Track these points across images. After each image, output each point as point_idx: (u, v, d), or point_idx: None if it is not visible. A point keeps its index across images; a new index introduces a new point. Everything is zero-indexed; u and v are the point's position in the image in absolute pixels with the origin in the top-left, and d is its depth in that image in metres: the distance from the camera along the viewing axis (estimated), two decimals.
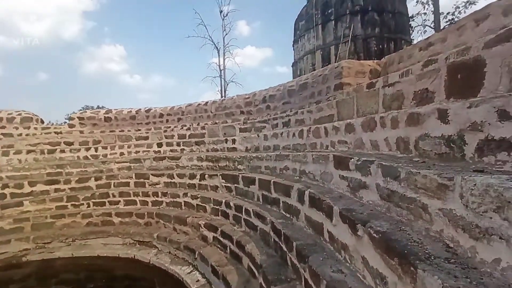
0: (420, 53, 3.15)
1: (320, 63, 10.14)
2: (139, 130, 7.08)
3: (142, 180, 6.07)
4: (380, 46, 9.94)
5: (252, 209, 3.56)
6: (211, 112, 6.92)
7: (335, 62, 5.48)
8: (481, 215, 0.99)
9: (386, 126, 2.12)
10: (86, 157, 6.71)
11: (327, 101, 3.63)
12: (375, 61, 4.04)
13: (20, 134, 6.78)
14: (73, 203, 5.96)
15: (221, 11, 19.22)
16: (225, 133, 5.98)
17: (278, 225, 2.81)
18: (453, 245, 1.13)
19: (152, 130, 6.99)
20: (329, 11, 10.66)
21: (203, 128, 6.39)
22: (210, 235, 4.22)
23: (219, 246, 4.00)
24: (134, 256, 4.74)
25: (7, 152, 6.30)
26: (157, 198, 5.66)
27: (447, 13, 14.96)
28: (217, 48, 19.49)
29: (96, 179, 6.24)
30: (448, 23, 13.67)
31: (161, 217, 5.27)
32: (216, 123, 6.36)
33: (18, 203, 5.70)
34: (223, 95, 18.77)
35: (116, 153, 6.78)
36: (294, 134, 3.83)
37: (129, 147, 6.82)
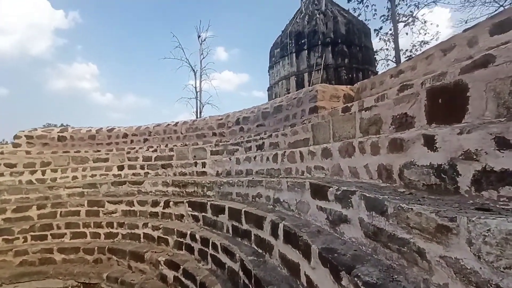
0: (391, 80, 3.20)
1: (295, 88, 10.41)
2: (99, 151, 6.36)
3: (95, 208, 5.30)
4: (350, 75, 10.53)
5: (220, 243, 3.13)
6: (181, 133, 6.50)
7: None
8: (502, 271, 0.77)
9: (366, 152, 1.95)
10: (29, 182, 5.78)
11: (302, 124, 3.48)
12: (348, 86, 4.08)
13: None
14: (5, 237, 4.95)
15: (199, 36, 19.49)
16: (195, 156, 5.57)
17: (249, 264, 2.42)
18: None
19: (113, 151, 6.32)
20: (303, 41, 11.23)
21: (171, 150, 5.92)
22: (170, 274, 3.63)
23: None
24: None
25: None
26: (111, 230, 4.91)
27: (406, 50, 16.68)
28: (193, 70, 19.44)
29: (38, 208, 5.32)
30: (407, 58, 15.15)
31: (115, 252, 4.52)
32: (186, 145, 5.94)
33: None
34: (198, 116, 18.39)
35: (67, 177, 5.94)
36: (268, 158, 3.58)
37: (84, 170, 6.04)
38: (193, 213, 4.22)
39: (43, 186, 5.68)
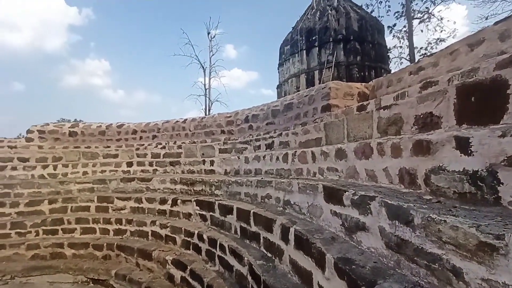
0: (410, 77, 3.01)
1: (305, 86, 10.21)
2: (108, 147, 6.40)
3: (105, 204, 5.33)
4: (362, 73, 10.23)
5: (228, 245, 3.05)
6: (190, 130, 6.45)
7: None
8: None
9: (386, 154, 1.81)
10: (42, 176, 5.87)
11: (314, 123, 3.35)
12: (363, 84, 3.90)
13: None
14: (18, 230, 5.04)
15: (208, 33, 19.46)
16: (203, 154, 5.51)
17: (258, 269, 2.33)
18: None
19: (123, 148, 6.34)
20: (313, 38, 10.97)
21: (179, 147, 5.88)
22: (177, 274, 3.59)
23: None
24: None
25: None
26: (120, 226, 4.93)
27: (421, 48, 16.11)
28: (203, 67, 19.44)
29: (50, 202, 5.40)
30: (422, 56, 14.64)
31: (123, 249, 4.52)
32: (194, 142, 5.89)
33: None
34: (207, 113, 18.42)
35: (78, 172, 6.01)
36: (278, 158, 3.46)
37: (94, 165, 6.09)
38: (200, 212, 4.16)
39: (54, 180, 5.77)
